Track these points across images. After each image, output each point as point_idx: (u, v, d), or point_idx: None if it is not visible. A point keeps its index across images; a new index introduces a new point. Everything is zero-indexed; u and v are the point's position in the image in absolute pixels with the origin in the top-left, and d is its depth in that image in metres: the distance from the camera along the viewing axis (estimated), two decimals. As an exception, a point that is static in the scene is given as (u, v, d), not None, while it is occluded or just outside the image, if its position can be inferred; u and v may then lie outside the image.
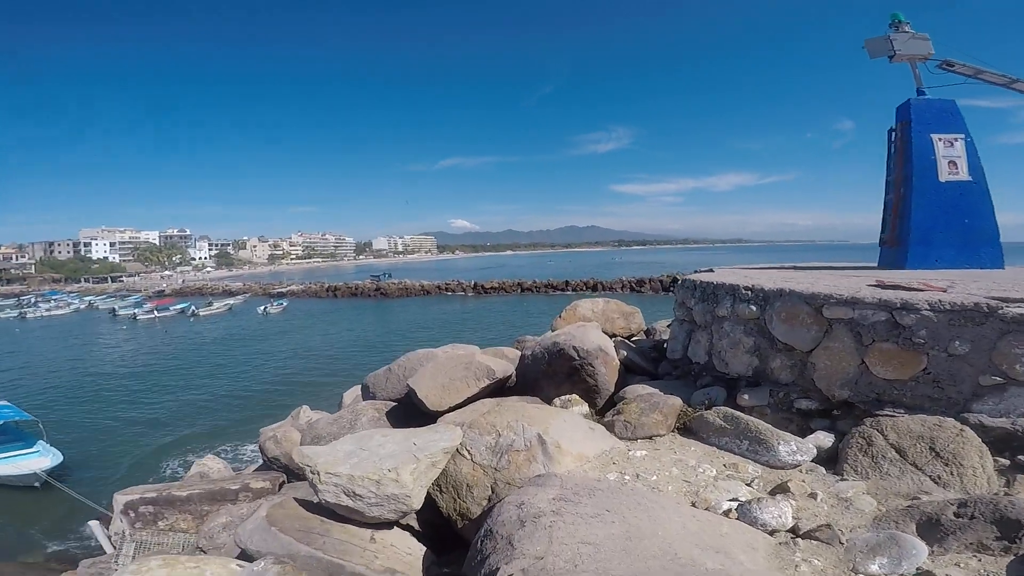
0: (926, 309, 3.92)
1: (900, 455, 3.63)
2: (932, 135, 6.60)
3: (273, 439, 8.35)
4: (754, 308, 5.04)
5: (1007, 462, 3.61)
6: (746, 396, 4.81)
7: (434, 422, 5.15)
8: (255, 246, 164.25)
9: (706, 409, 4.72)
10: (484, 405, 5.44)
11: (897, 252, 6.78)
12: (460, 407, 5.76)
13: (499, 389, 6.48)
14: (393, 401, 6.87)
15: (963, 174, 6.49)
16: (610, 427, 4.81)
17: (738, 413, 4.42)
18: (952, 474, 3.44)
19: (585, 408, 5.66)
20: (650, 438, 4.60)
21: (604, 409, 5.64)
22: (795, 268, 7.56)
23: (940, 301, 3.90)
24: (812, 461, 3.97)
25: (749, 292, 5.12)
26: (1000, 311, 3.72)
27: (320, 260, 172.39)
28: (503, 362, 6.70)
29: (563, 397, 5.79)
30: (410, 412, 6.19)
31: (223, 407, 22.04)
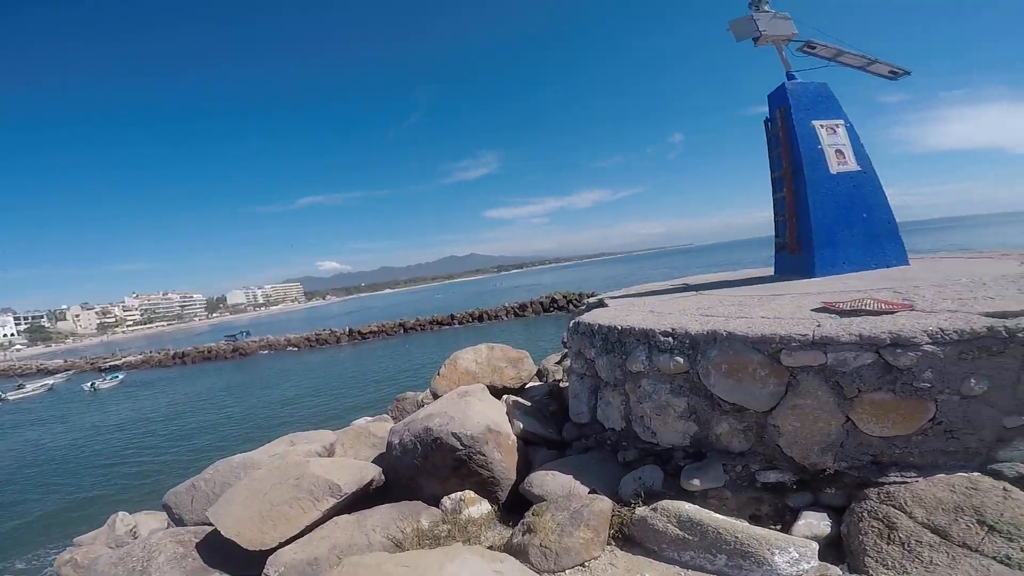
0: (927, 343, 2.79)
1: (942, 536, 2.56)
2: (813, 122, 5.93)
3: (72, 564, 6.09)
4: (681, 360, 3.70)
5: None
6: (695, 480, 3.47)
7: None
8: (78, 315, 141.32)
9: (643, 501, 3.48)
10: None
11: (801, 258, 5.98)
12: (298, 538, 4.15)
13: (362, 496, 4.77)
14: (208, 525, 4.81)
15: (852, 164, 5.88)
16: (522, 554, 3.32)
17: (701, 514, 3.12)
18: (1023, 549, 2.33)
19: (485, 507, 4.26)
20: (582, 564, 3.24)
21: (511, 503, 4.48)
22: (691, 289, 6.53)
23: (943, 331, 2.78)
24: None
25: (670, 339, 3.78)
26: (1020, 334, 2.67)
27: (165, 324, 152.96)
28: (354, 469, 4.89)
29: (453, 496, 4.34)
30: (231, 544, 4.23)
31: (28, 505, 16.83)
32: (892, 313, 3.25)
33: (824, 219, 5.73)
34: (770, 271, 6.89)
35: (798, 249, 6.06)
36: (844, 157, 5.91)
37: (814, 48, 6.38)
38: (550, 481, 4.10)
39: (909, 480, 2.86)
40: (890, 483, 2.90)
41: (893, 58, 6.31)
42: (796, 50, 6.39)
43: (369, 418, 10.22)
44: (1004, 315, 2.86)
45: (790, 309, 3.83)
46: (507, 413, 5.34)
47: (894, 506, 2.76)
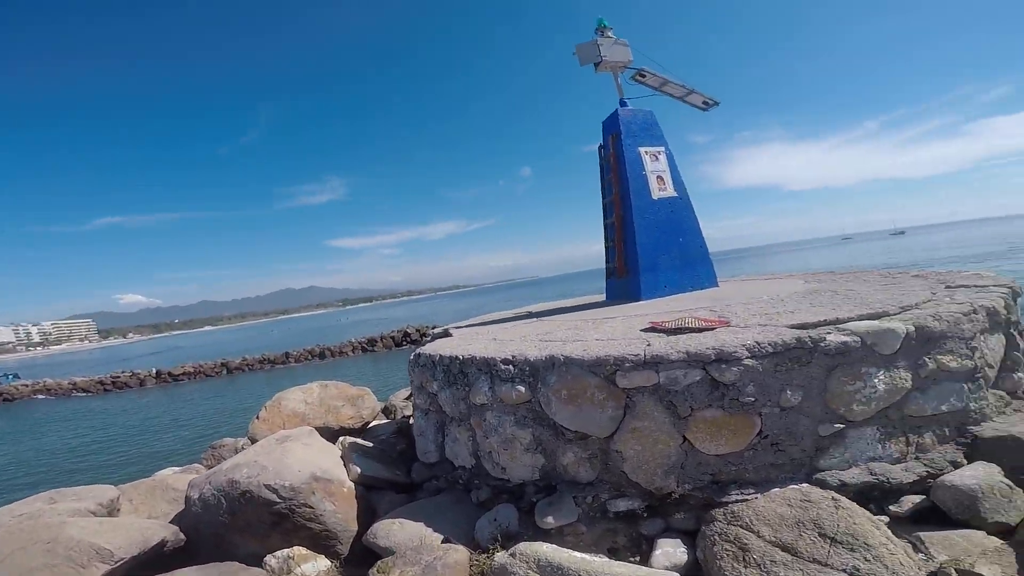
0: (747, 357, 2.90)
1: (792, 554, 2.56)
2: (640, 148, 6.32)
3: None
4: (523, 389, 3.50)
5: (886, 518, 2.81)
6: (549, 518, 3.22)
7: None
8: None
9: (502, 545, 3.19)
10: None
11: (629, 282, 6.29)
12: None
13: (151, 560, 3.86)
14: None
15: (670, 190, 6.36)
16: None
17: (560, 556, 2.85)
18: (868, 559, 2.42)
19: (322, 563, 3.69)
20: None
21: (356, 556, 3.89)
22: (533, 316, 6.53)
23: (759, 344, 2.92)
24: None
25: (511, 367, 3.57)
26: (823, 344, 2.90)
27: None
28: (134, 529, 3.99)
29: (279, 554, 3.68)
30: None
31: None
32: (712, 330, 3.40)
33: (647, 244, 6.10)
34: (603, 297, 7.17)
35: (626, 273, 6.36)
36: (664, 183, 6.37)
37: (644, 77, 6.72)
38: (398, 531, 3.61)
39: (748, 497, 2.91)
40: (732, 502, 2.92)
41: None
42: (629, 78, 6.69)
43: (177, 469, 8.60)
44: (804, 326, 3.12)
45: (622, 331, 3.87)
46: (342, 457, 4.72)
47: (741, 526, 2.76)
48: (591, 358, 3.21)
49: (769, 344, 2.90)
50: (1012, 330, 3.61)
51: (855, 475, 2.95)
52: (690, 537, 3.01)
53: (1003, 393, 3.43)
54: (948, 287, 4.00)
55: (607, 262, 6.88)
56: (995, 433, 3.05)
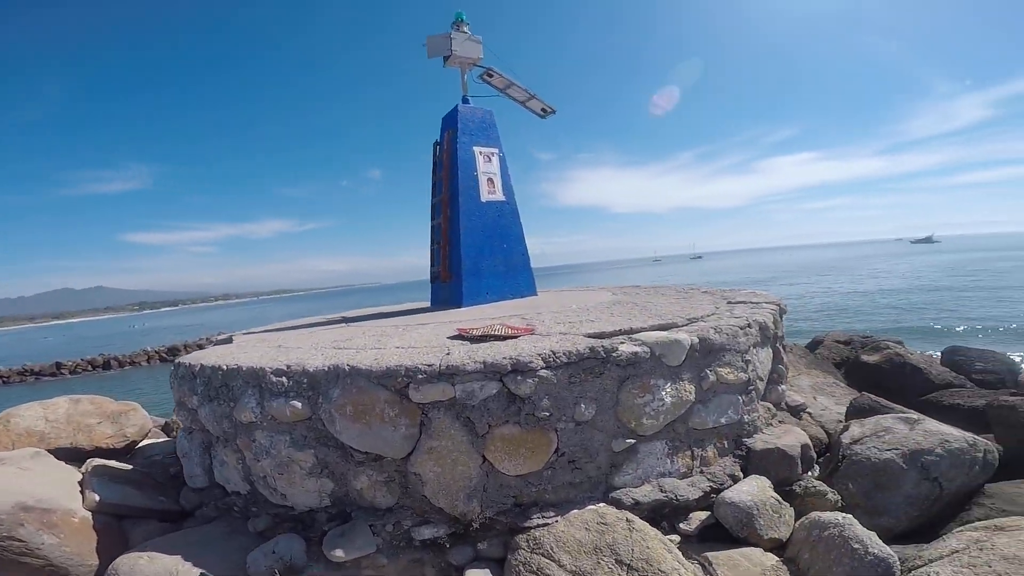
0: (542, 368, 2.73)
1: None
2: (475, 147, 6.11)
3: None
4: (299, 404, 2.96)
5: (676, 537, 2.81)
6: (339, 551, 2.74)
7: None
8: None
9: None
10: None
11: (452, 288, 6.03)
12: None
13: None
14: None
15: (499, 193, 6.25)
16: None
17: None
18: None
19: None
20: None
21: None
22: (347, 322, 5.94)
23: (554, 353, 2.77)
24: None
25: (284, 379, 3.00)
26: (615, 354, 2.84)
27: None
28: None
29: None
30: None
31: None
32: (516, 338, 3.22)
33: (472, 248, 5.90)
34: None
35: (449, 278, 6.10)
36: (494, 186, 6.23)
37: (492, 76, 6.52)
38: (145, 566, 2.83)
39: (549, 520, 2.73)
40: (534, 526, 2.72)
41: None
42: (477, 77, 6.48)
43: None
44: (601, 335, 3.07)
45: (428, 338, 3.54)
46: (81, 482, 3.76)
47: (543, 554, 2.55)
48: (380, 369, 2.80)
49: (564, 354, 2.77)
50: (778, 344, 4.01)
51: (647, 492, 2.92)
52: (499, 565, 2.75)
53: (770, 405, 3.76)
54: (729, 303, 4.36)
55: (432, 265, 6.57)
56: (764, 445, 3.28)
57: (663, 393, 2.93)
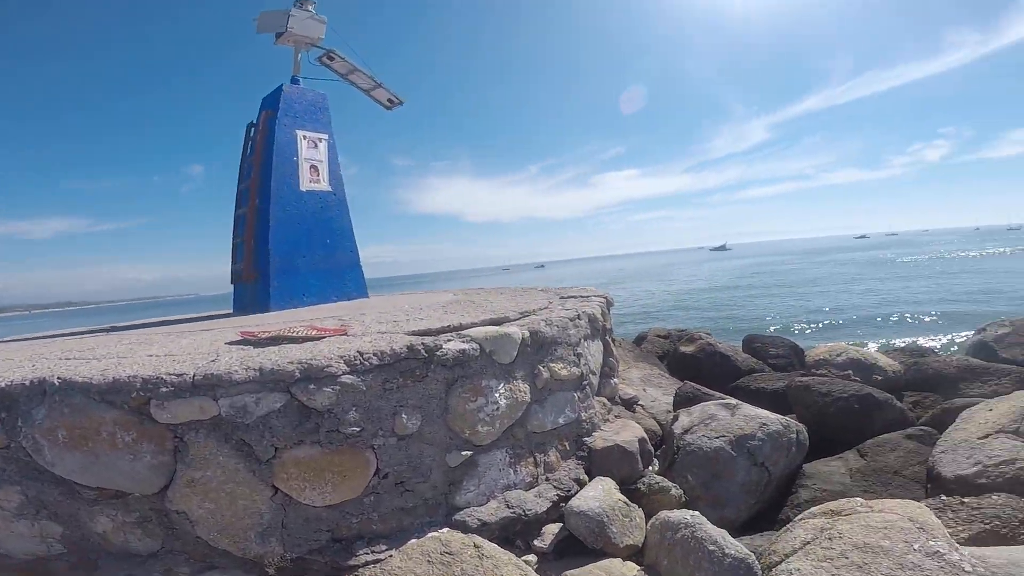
0: (345, 373, 2.17)
1: None
2: (298, 131, 5.30)
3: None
4: (-22, 439, 2.02)
5: (533, 557, 2.43)
6: None
7: None
8: None
9: None
10: None
11: (257, 288, 5.11)
12: None
13: None
14: None
15: (324, 183, 5.48)
16: None
17: None
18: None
19: None
20: None
21: None
22: (117, 330, 4.72)
23: (362, 355, 2.23)
24: None
25: (-46, 404, 2.04)
26: (440, 352, 2.39)
27: None
28: None
29: None
30: None
31: None
32: (321, 339, 2.62)
33: (285, 242, 5.07)
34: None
35: (254, 277, 5.17)
36: (318, 174, 5.46)
37: (333, 60, 5.84)
38: None
39: (381, 556, 2.17)
40: (363, 564, 2.14)
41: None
42: (316, 59, 5.79)
43: None
44: (426, 332, 2.60)
45: (200, 344, 2.76)
46: None
47: None
48: (105, 382, 2.01)
49: (375, 355, 2.24)
50: (607, 337, 3.92)
51: (494, 510, 2.49)
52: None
53: (605, 400, 3.62)
54: (562, 298, 4.20)
55: (233, 263, 5.55)
56: (604, 443, 3.08)
57: (497, 395, 2.55)
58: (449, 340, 2.45)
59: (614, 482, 2.90)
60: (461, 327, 2.68)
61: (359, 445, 2.24)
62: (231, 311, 5.55)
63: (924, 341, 11.13)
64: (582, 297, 4.18)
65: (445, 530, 2.34)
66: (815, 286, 29.65)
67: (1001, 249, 49.14)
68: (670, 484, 2.94)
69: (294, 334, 2.68)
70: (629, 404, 4.11)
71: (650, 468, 3.37)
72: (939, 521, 1.92)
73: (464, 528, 2.39)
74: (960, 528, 2.16)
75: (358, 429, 2.22)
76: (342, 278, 5.49)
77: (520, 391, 2.67)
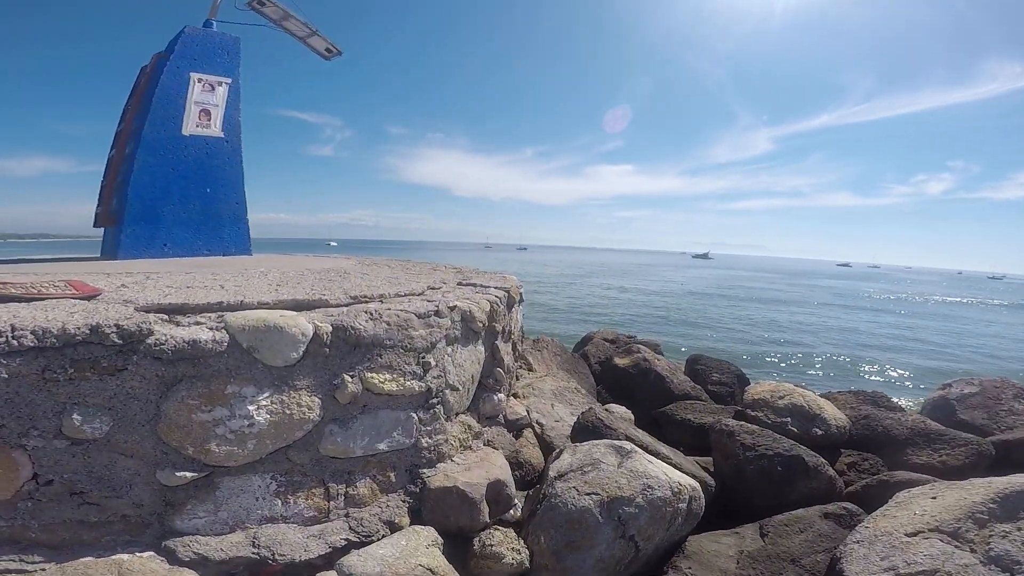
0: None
1: None
2: (192, 73, 4.63)
3: None
4: None
5: None
6: None
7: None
8: None
9: None
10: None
11: (113, 234, 4.39)
12: None
13: None
14: None
15: (216, 129, 4.74)
16: None
17: None
18: None
19: None
20: None
21: None
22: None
23: (14, 329, 1.49)
24: None
25: None
26: (149, 341, 1.65)
27: None
28: None
29: None
30: None
31: None
32: (46, 299, 1.87)
33: (148, 189, 4.34)
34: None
35: (111, 222, 4.42)
36: (209, 119, 4.71)
37: (264, 5, 5.18)
38: None
39: (30, 567, 1.59)
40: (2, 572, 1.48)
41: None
42: (246, 4, 5.12)
43: None
44: (179, 309, 1.86)
45: None
46: None
47: None
48: None
49: (33, 333, 1.50)
50: (498, 341, 3.20)
51: (229, 546, 1.81)
52: None
53: (472, 422, 2.91)
54: (460, 284, 3.47)
55: (97, 206, 4.77)
56: (441, 483, 2.38)
57: (252, 407, 1.82)
58: (177, 326, 1.71)
59: (434, 536, 2.21)
60: (230, 307, 1.94)
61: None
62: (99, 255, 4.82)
63: (887, 389, 10.74)
64: (482, 286, 3.46)
65: (149, 554, 1.67)
66: (788, 310, 29.41)
67: (985, 299, 49.36)
68: (505, 552, 2.23)
69: (50, 291, 1.94)
70: (516, 426, 3.41)
71: (511, 512, 2.69)
72: None
73: (172, 558, 1.70)
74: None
75: (-1, 424, 1.49)
76: (219, 232, 4.75)
77: (301, 406, 1.95)
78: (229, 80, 4.87)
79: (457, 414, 2.80)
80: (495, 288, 3.36)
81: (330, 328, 2.02)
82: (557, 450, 3.06)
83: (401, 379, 2.29)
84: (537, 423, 3.84)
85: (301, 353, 1.93)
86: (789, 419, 4.16)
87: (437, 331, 2.47)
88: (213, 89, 4.76)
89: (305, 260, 5.14)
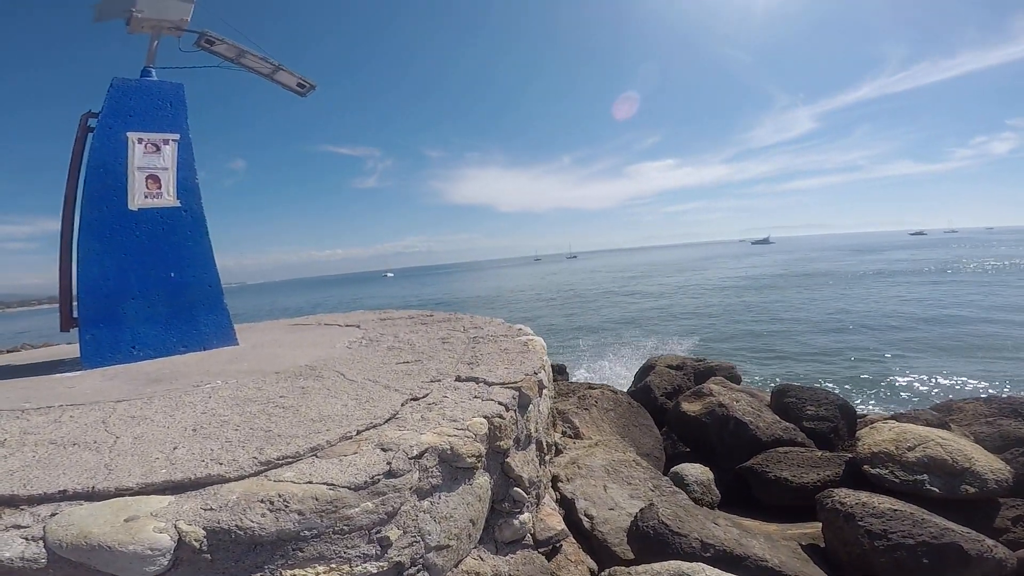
0: None
1: None
2: (130, 133, 4.07)
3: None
4: None
5: None
6: None
7: None
8: None
9: None
10: None
11: (80, 339, 3.91)
12: None
13: None
14: None
15: (170, 197, 4.16)
16: None
17: None
18: None
19: None
20: None
21: None
22: None
23: None
24: None
25: None
26: None
27: None
28: None
29: None
30: None
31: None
32: None
33: (100, 280, 3.83)
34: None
35: (73, 324, 3.96)
36: (160, 186, 4.16)
37: (214, 44, 4.69)
38: None
39: None
40: None
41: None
42: (193, 44, 4.66)
43: None
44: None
45: None
46: None
47: None
48: None
49: None
50: (511, 456, 2.42)
51: None
52: None
53: (486, 558, 2.15)
54: (459, 380, 2.71)
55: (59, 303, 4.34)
56: None
57: None
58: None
59: None
60: (76, 496, 1.29)
61: None
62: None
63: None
64: (485, 383, 2.70)
65: None
66: (864, 293, 27.01)
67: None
68: None
69: None
70: (549, 544, 2.63)
71: None
72: None
73: None
74: None
75: None
76: (194, 322, 4.17)
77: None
78: (177, 136, 4.28)
79: (457, 563, 2.05)
80: (500, 387, 2.59)
81: (202, 534, 1.32)
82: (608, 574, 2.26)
83: (346, 567, 1.57)
84: (586, 515, 3.11)
85: (166, 565, 1.26)
86: (926, 477, 3.24)
87: (394, 497, 1.73)
88: (159, 149, 4.17)
89: (297, 336, 4.56)
